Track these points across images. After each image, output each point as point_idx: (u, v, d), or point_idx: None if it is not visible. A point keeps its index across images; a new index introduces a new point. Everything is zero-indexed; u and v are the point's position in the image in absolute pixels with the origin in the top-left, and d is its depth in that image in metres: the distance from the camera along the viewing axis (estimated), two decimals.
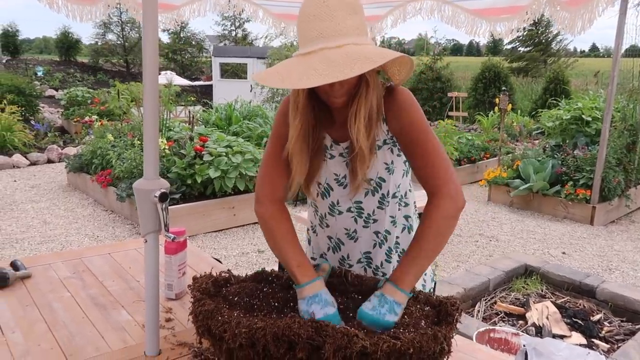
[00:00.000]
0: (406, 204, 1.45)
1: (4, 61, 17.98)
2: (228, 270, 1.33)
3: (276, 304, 1.19)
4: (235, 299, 1.20)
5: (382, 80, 1.30)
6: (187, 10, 2.81)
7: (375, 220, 1.39)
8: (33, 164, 8.25)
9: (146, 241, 1.37)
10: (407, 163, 1.38)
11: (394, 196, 1.38)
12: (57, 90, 16.13)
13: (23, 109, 10.10)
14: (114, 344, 1.47)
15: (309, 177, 1.34)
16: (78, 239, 4.72)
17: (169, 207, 4.68)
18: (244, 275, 1.38)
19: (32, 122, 10.28)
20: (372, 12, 2.51)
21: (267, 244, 1.35)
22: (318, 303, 1.15)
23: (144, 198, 1.33)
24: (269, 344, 1.00)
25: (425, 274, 1.54)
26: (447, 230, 1.23)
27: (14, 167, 7.97)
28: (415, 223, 1.48)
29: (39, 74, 17.87)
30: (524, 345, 1.40)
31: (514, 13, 1.99)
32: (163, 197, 1.32)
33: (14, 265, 1.90)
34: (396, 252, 1.45)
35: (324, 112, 1.30)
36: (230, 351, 1.07)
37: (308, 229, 1.58)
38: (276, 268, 1.64)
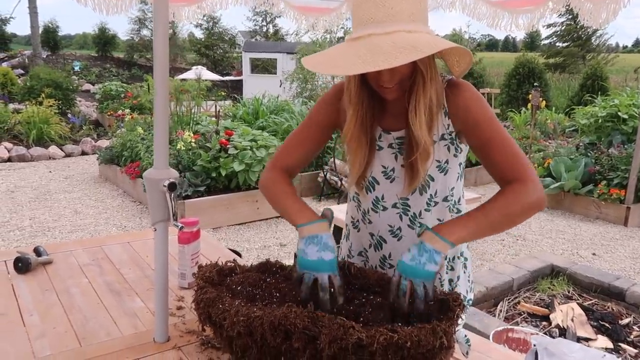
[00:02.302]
0: (458, 211, 1.36)
1: (43, 56, 18.59)
2: (234, 260, 1.34)
3: (277, 294, 1.19)
4: (238, 288, 1.21)
5: (443, 73, 1.25)
6: (210, 2, 2.82)
7: (421, 224, 1.31)
8: (68, 155, 8.53)
9: (155, 230, 1.40)
10: (461, 166, 1.31)
11: (445, 199, 1.31)
12: (93, 84, 16.60)
13: (60, 102, 10.44)
14: (125, 330, 1.51)
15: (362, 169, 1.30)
16: (106, 229, 4.86)
17: (194, 200, 4.75)
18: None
19: (69, 115, 10.61)
20: None
21: (271, 206, 1.33)
22: (316, 244, 1.12)
23: (153, 187, 1.35)
24: (266, 332, 1.00)
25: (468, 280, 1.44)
26: (519, 214, 1.14)
27: (50, 158, 8.25)
28: None
29: (76, 68, 18.41)
30: (534, 345, 1.36)
31: (537, 4, 1.92)
32: (172, 187, 1.34)
33: (37, 251, 1.96)
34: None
35: (375, 101, 1.25)
36: (230, 339, 1.08)
37: (347, 225, 1.50)
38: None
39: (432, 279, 1.08)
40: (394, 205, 1.31)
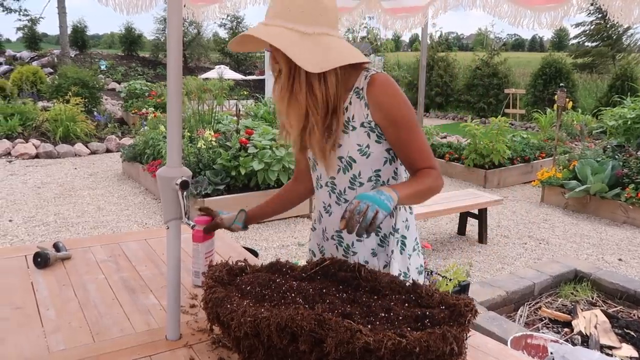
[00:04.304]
0: None
1: (72, 55, 19.01)
2: (244, 259, 1.34)
3: (286, 294, 1.18)
4: (248, 288, 1.20)
5: (368, 67, 1.41)
6: (230, 2, 2.84)
7: (346, 200, 1.47)
8: (93, 153, 8.69)
9: (168, 228, 1.40)
10: (390, 152, 1.43)
11: (369, 180, 1.44)
12: (119, 83, 16.90)
13: (86, 100, 10.64)
14: (138, 327, 1.52)
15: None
16: (128, 225, 4.93)
17: (214, 198, 4.79)
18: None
19: (95, 113, 10.82)
20: (412, 4, 2.45)
21: None
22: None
23: (166, 185, 1.36)
24: (273, 334, 0.99)
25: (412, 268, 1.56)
26: (433, 191, 1.38)
27: (75, 155, 8.43)
28: (400, 214, 1.49)
29: (102, 67, 18.76)
30: (551, 353, 1.32)
31: (560, 2, 1.87)
32: (184, 185, 1.34)
33: (56, 247, 2.00)
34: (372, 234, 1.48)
35: None
36: (238, 339, 1.08)
37: None
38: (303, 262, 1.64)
39: (386, 213, 1.19)
40: (326, 184, 1.51)
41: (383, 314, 1.11)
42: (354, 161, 1.41)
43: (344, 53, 1.30)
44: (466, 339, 1.06)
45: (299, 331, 0.97)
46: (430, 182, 1.37)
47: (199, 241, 1.76)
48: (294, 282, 1.23)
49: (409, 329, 1.02)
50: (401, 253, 1.51)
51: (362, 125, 1.39)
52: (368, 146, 1.40)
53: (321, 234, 1.59)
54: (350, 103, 1.39)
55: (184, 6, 2.55)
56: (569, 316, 3.25)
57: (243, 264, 1.30)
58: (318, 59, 1.26)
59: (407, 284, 1.21)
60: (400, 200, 1.27)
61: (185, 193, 1.35)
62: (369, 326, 1.04)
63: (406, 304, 1.15)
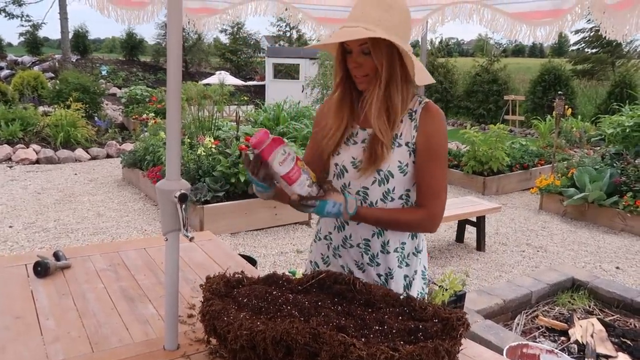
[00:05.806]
0: None
1: (73, 60, 19.06)
2: (241, 271, 1.36)
3: (282, 306, 1.20)
4: (245, 300, 1.22)
5: (420, 95, 1.50)
6: (230, 12, 2.86)
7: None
8: (93, 158, 8.70)
9: (167, 239, 1.42)
10: None
11: (400, 197, 1.49)
12: (120, 88, 16.94)
13: (87, 106, 10.67)
14: (137, 336, 1.54)
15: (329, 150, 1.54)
16: (127, 232, 4.95)
17: (214, 205, 4.80)
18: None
19: (95, 118, 10.83)
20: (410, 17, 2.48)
21: None
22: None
23: (165, 198, 1.38)
24: (268, 347, 1.01)
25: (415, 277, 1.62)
26: (406, 229, 1.49)
27: (76, 160, 8.44)
28: (420, 236, 1.57)
29: (103, 72, 18.80)
30: None
31: (556, 17, 1.90)
32: (183, 198, 1.36)
33: (56, 256, 2.01)
34: (394, 246, 1.51)
35: (355, 102, 1.50)
36: (234, 351, 1.10)
37: None
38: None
39: (318, 214, 1.36)
40: (357, 192, 1.50)
41: (377, 327, 1.13)
42: (392, 176, 1.45)
43: (426, 73, 1.43)
44: (458, 352, 1.08)
45: (294, 344, 0.99)
46: (408, 218, 1.46)
47: (280, 143, 1.34)
48: (290, 295, 1.25)
49: (402, 342, 1.04)
50: (423, 270, 1.61)
51: (406, 144, 1.45)
52: (407, 165, 1.45)
53: (340, 242, 1.57)
54: (401, 121, 1.45)
55: (185, 15, 2.58)
56: (565, 325, 3.26)
57: (240, 276, 1.32)
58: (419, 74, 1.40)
59: (401, 297, 1.23)
60: (359, 217, 1.40)
61: (183, 205, 1.37)
62: (363, 339, 1.06)
63: (400, 317, 1.17)
